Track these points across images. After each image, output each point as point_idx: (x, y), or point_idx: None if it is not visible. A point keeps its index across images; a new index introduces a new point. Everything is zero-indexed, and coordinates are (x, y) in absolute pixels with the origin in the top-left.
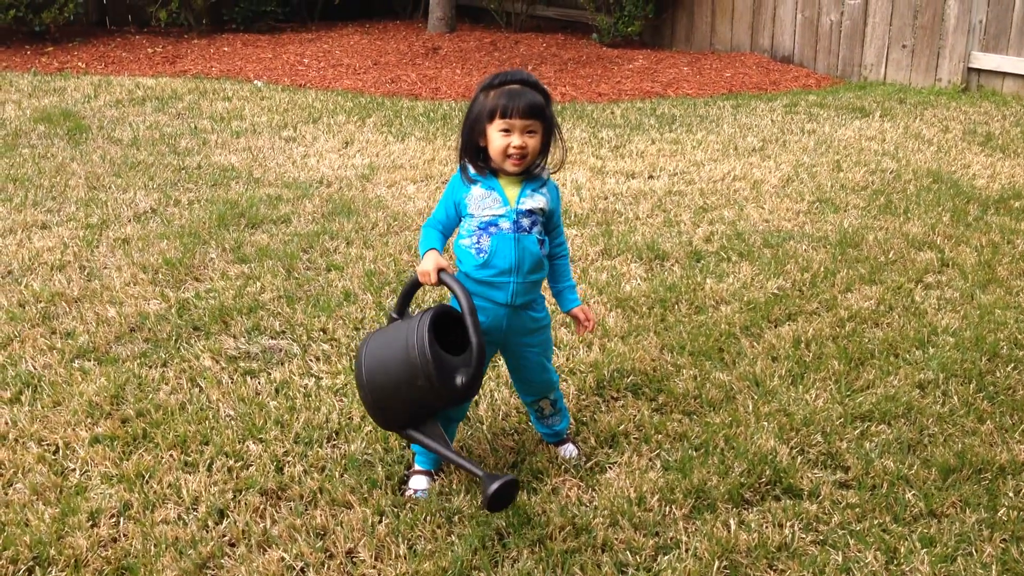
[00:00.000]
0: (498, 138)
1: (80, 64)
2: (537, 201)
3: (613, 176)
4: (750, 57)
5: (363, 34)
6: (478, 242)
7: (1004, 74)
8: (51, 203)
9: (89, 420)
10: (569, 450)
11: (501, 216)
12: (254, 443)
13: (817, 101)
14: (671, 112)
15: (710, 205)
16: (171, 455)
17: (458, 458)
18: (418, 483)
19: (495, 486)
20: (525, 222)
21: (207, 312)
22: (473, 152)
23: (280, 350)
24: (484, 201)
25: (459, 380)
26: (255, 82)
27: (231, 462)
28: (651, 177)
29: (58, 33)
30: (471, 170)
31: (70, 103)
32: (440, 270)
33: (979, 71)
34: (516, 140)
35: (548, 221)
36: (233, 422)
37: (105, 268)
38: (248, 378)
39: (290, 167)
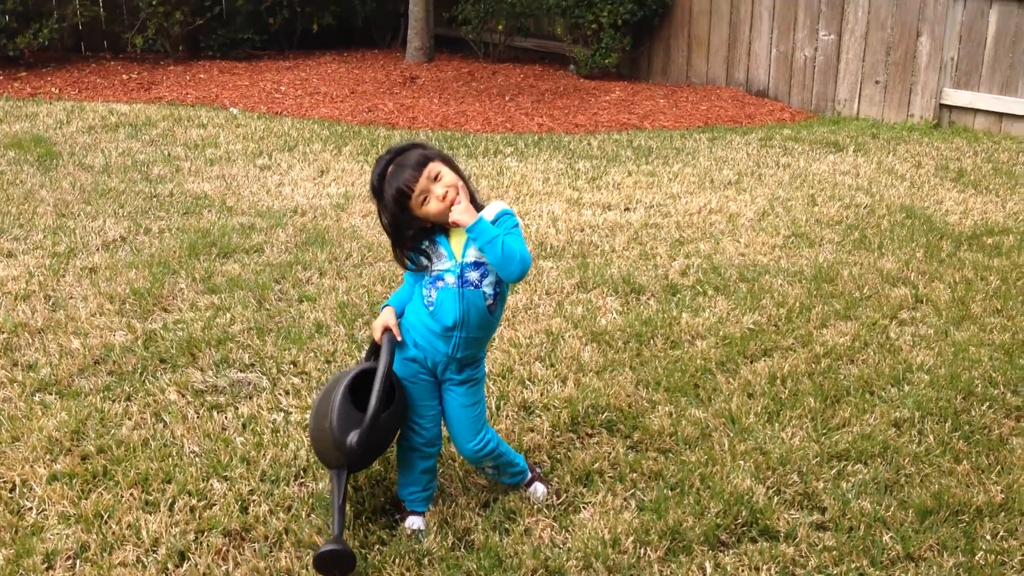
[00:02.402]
0: (428, 210)
1: (54, 89)
2: None
3: (589, 208)
4: (725, 90)
5: (341, 62)
6: (430, 294)
7: (975, 110)
8: (18, 231)
9: (48, 456)
10: (537, 490)
11: (447, 270)
12: (218, 481)
13: (792, 135)
14: (648, 144)
15: (686, 238)
16: (131, 494)
17: (338, 512)
18: (413, 523)
19: (327, 547)
20: (472, 275)
21: (174, 344)
22: (418, 238)
23: (249, 383)
24: (434, 255)
25: (350, 439)
26: (231, 109)
27: (194, 501)
28: (627, 209)
29: (32, 58)
30: (417, 260)
31: (42, 129)
32: (385, 330)
33: (951, 107)
34: (438, 191)
35: None
36: (197, 459)
37: (71, 298)
38: (215, 413)
39: (264, 196)
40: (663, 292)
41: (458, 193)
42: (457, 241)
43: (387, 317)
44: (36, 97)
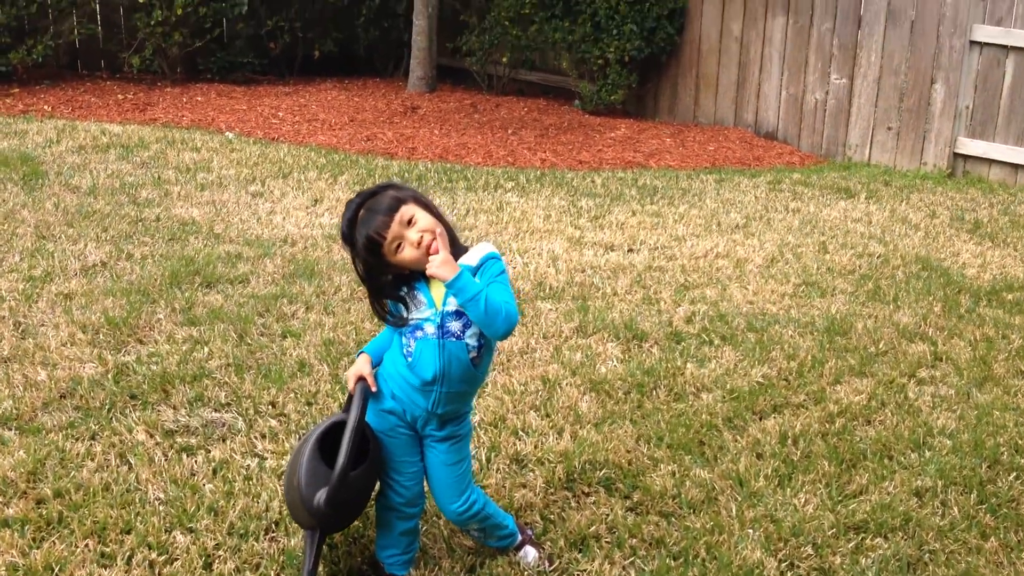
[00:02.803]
0: (403, 257)
1: (46, 107)
2: None
3: (591, 247)
4: (733, 131)
5: (341, 90)
6: (408, 343)
7: (990, 161)
8: None
9: (0, 499)
10: (528, 554)
11: (426, 320)
12: (182, 533)
13: (801, 179)
14: (653, 183)
15: (691, 283)
16: (87, 545)
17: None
18: None
19: None
20: (454, 326)
21: (147, 379)
22: (396, 284)
23: (223, 424)
24: (413, 303)
25: (318, 497)
26: (226, 133)
27: (154, 555)
28: (631, 250)
29: (26, 75)
30: (396, 310)
31: (30, 147)
32: (359, 379)
33: (965, 157)
34: (412, 236)
35: None
36: (161, 507)
37: (42, 325)
38: (184, 456)
39: (254, 223)
40: (667, 340)
41: (434, 238)
42: (438, 287)
43: (362, 366)
44: (27, 114)
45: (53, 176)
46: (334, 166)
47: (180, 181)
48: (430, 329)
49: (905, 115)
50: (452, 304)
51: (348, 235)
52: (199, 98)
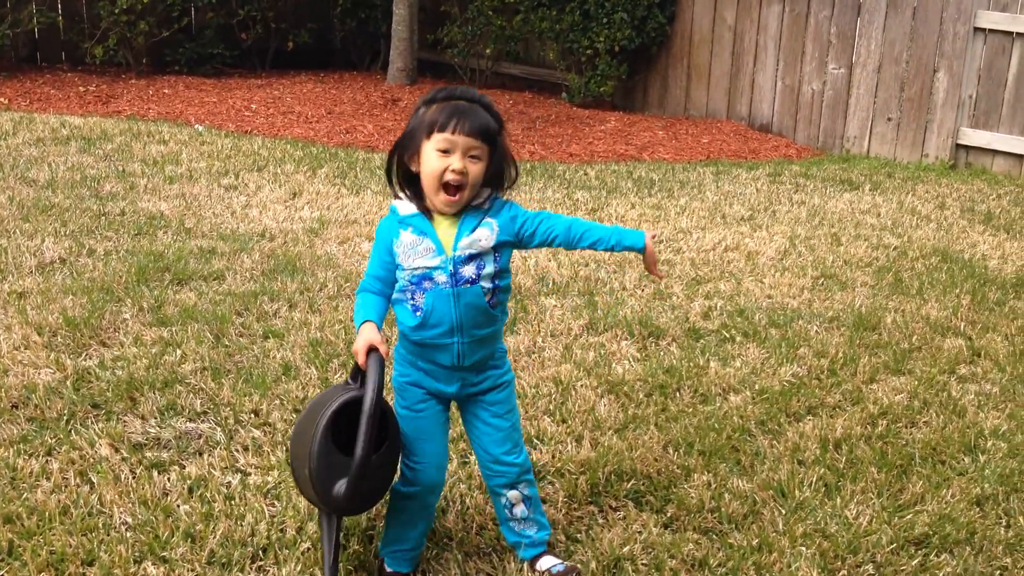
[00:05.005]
0: (434, 159)
1: (2, 100)
2: (479, 236)
3: None
4: (726, 124)
5: (317, 82)
6: (412, 298)
7: (994, 152)
8: None
9: None
10: (550, 566)
11: (435, 268)
12: (154, 564)
13: (801, 171)
14: (649, 176)
15: (703, 277)
16: None
17: (330, 564)
18: None
19: None
20: (468, 270)
21: (111, 386)
22: (402, 179)
23: (199, 436)
24: (415, 249)
25: (336, 488)
26: (196, 126)
27: None
28: None
29: None
30: (400, 207)
31: None
32: (371, 349)
33: (968, 147)
34: (456, 163)
35: (518, 241)
36: (129, 533)
37: None
38: (155, 472)
39: (228, 217)
40: (685, 337)
41: (459, 190)
42: (446, 229)
43: (370, 334)
44: None
45: (8, 169)
46: (312, 159)
47: (147, 174)
48: (441, 278)
49: (906, 105)
50: (464, 246)
51: (437, 98)
52: (166, 90)
